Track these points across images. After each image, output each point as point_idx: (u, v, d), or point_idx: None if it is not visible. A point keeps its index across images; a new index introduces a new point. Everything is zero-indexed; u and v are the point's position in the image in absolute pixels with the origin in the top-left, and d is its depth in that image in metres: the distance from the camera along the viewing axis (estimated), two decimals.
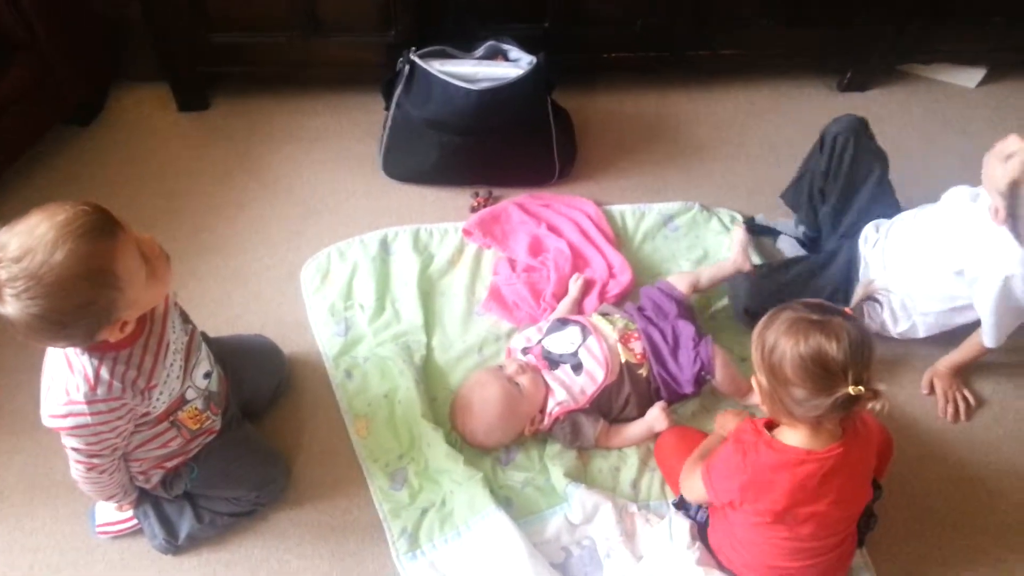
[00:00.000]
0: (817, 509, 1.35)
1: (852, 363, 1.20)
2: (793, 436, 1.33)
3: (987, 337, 1.72)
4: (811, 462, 1.31)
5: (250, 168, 2.24)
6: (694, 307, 1.88)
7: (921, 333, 1.86)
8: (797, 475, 1.33)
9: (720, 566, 1.53)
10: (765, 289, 1.83)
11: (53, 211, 1.13)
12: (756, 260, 1.99)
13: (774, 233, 2.10)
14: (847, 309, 1.28)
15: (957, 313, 1.79)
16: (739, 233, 1.94)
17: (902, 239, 1.82)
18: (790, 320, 1.26)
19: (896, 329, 1.87)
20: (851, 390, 1.20)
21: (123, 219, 1.20)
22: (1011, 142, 1.57)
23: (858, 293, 1.30)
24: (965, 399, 1.85)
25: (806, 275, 1.87)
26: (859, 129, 1.89)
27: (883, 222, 1.89)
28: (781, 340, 1.25)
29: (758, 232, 2.13)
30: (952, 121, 2.46)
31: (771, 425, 1.38)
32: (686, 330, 1.73)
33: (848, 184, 1.90)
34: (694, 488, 1.48)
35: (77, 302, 1.13)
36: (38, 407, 1.30)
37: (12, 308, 1.11)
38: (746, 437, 1.37)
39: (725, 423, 1.63)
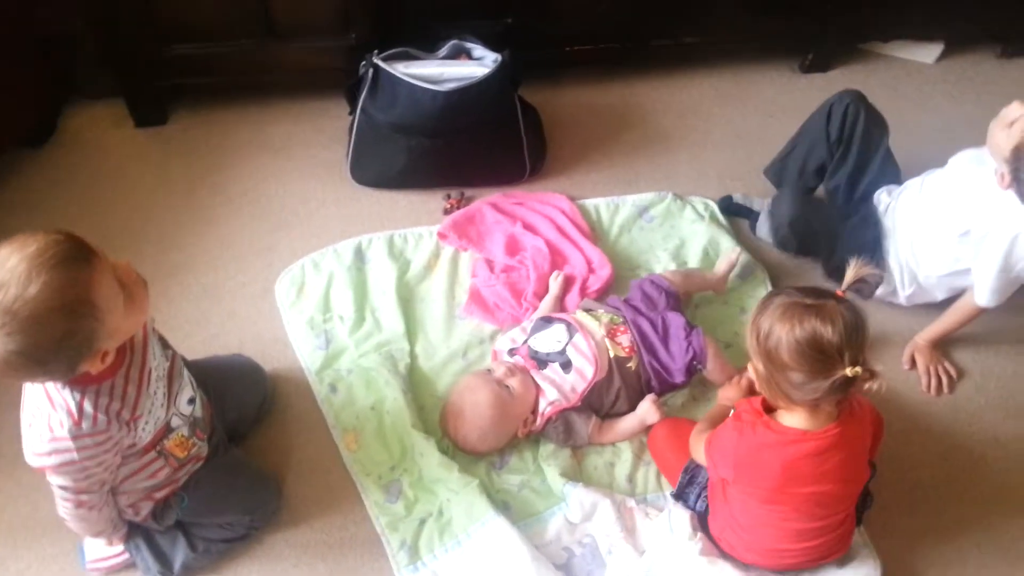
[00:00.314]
0: (818, 489, 1.37)
1: (848, 345, 1.22)
2: (791, 418, 1.34)
3: (984, 296, 1.75)
4: (808, 442, 1.33)
5: (215, 182, 2.19)
6: (681, 300, 1.87)
7: (927, 298, 1.93)
8: (792, 455, 1.34)
9: (723, 554, 1.54)
10: (808, 207, 1.94)
11: (23, 242, 1.09)
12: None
13: (752, 215, 2.11)
14: (839, 291, 1.29)
15: (961, 276, 1.83)
16: (732, 256, 1.94)
17: (910, 204, 1.88)
18: (784, 305, 1.27)
19: (904, 294, 1.93)
20: (848, 372, 1.22)
21: (94, 244, 1.16)
22: (1013, 108, 1.62)
23: (849, 275, 1.31)
24: (947, 372, 1.88)
25: (839, 218, 1.94)
26: (864, 98, 1.94)
27: (894, 187, 1.95)
28: (776, 326, 1.26)
29: (733, 212, 2.15)
30: (912, 96, 2.49)
31: (770, 407, 1.39)
32: (676, 320, 1.73)
33: (863, 149, 1.94)
34: (700, 454, 1.51)
35: (56, 335, 1.08)
36: (16, 445, 1.26)
37: None
38: (746, 416, 1.39)
39: (727, 393, 1.65)
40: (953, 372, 1.89)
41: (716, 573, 1.50)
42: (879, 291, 1.95)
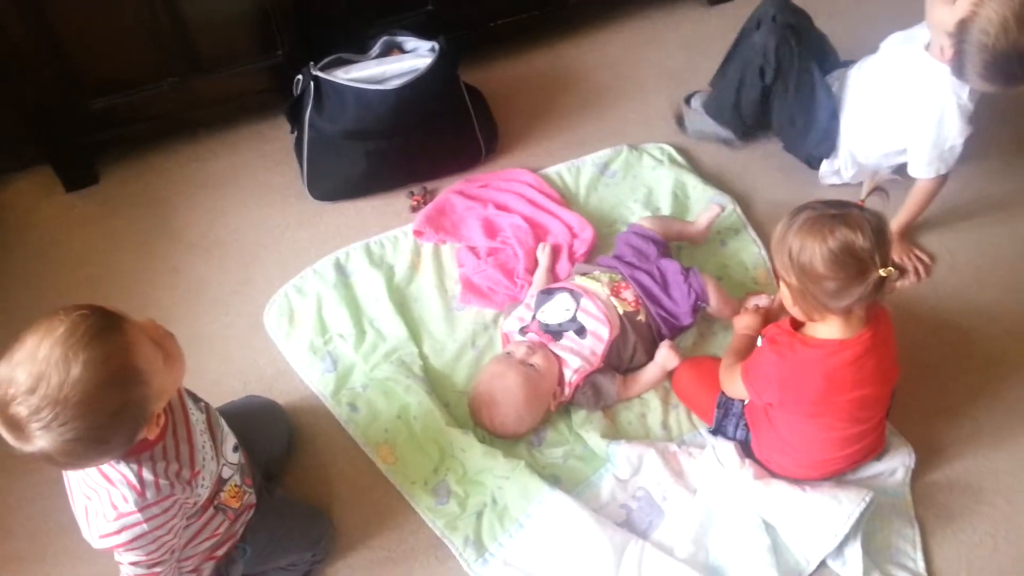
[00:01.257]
0: (859, 394, 1.43)
1: (878, 248, 1.28)
2: (825, 329, 1.40)
3: (919, 169, 1.86)
4: (847, 350, 1.39)
5: (169, 231, 2.10)
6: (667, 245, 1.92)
7: (864, 178, 2.01)
8: (834, 365, 1.40)
9: (773, 475, 1.60)
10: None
11: (48, 326, 1.04)
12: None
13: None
14: (860, 201, 1.35)
15: (900, 155, 1.94)
16: (713, 211, 1.98)
17: (849, 90, 1.98)
18: (812, 219, 1.32)
19: (847, 174, 2.05)
20: (882, 272, 1.29)
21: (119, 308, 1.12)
22: None
23: (867, 185, 1.38)
24: (920, 259, 1.99)
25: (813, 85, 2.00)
26: (779, 28, 1.98)
27: (843, 71, 2.05)
28: (808, 240, 1.31)
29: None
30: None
31: (797, 325, 1.45)
32: (671, 267, 1.78)
33: (800, 74, 2.00)
34: (735, 388, 1.55)
35: (111, 411, 1.05)
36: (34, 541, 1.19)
37: (45, 441, 1.01)
38: (780, 339, 1.44)
39: (743, 322, 1.70)
40: (925, 258, 2.00)
41: (772, 493, 1.56)
42: (823, 170, 2.08)
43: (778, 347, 1.43)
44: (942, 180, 1.90)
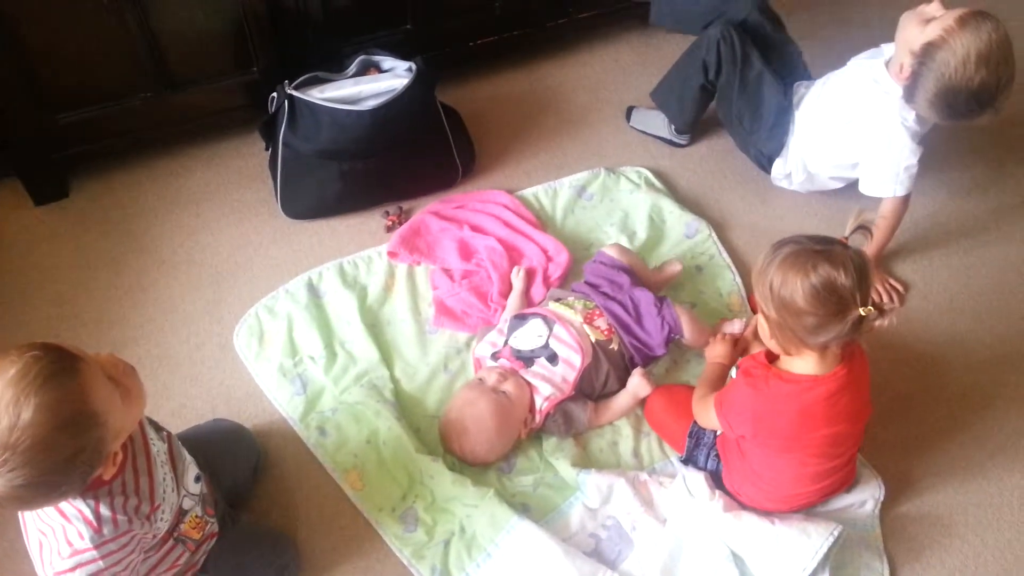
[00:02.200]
0: (831, 431, 1.43)
1: (859, 286, 1.27)
2: (800, 364, 1.39)
3: (876, 186, 1.90)
4: (821, 386, 1.38)
5: (140, 247, 2.07)
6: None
7: (816, 187, 2.11)
8: (807, 400, 1.40)
9: (743, 506, 1.59)
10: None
11: None
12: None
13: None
14: (843, 238, 1.35)
15: (849, 168, 2.00)
16: (674, 269, 1.97)
17: (812, 100, 2.02)
18: (795, 253, 1.31)
19: (796, 180, 2.10)
20: (862, 311, 1.28)
21: (75, 346, 1.09)
22: (934, 7, 1.73)
23: (851, 223, 1.37)
24: (894, 287, 2.00)
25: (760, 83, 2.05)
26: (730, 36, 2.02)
27: (811, 82, 2.07)
28: (789, 274, 1.30)
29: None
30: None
31: (772, 358, 1.44)
32: (645, 298, 1.76)
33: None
34: (708, 419, 1.54)
35: (64, 456, 1.02)
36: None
37: None
38: (756, 372, 1.43)
39: (715, 351, 1.69)
40: (900, 287, 2.01)
41: (742, 525, 1.55)
42: (775, 171, 2.12)
43: (753, 380, 1.42)
44: (906, 200, 1.91)
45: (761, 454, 1.49)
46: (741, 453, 1.53)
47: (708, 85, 2.11)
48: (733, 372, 1.51)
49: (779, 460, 1.48)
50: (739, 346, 1.69)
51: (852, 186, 2.03)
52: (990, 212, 2.18)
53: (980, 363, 1.89)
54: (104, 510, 1.14)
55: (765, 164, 2.15)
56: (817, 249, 1.30)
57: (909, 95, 1.76)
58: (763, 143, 2.11)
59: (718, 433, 1.61)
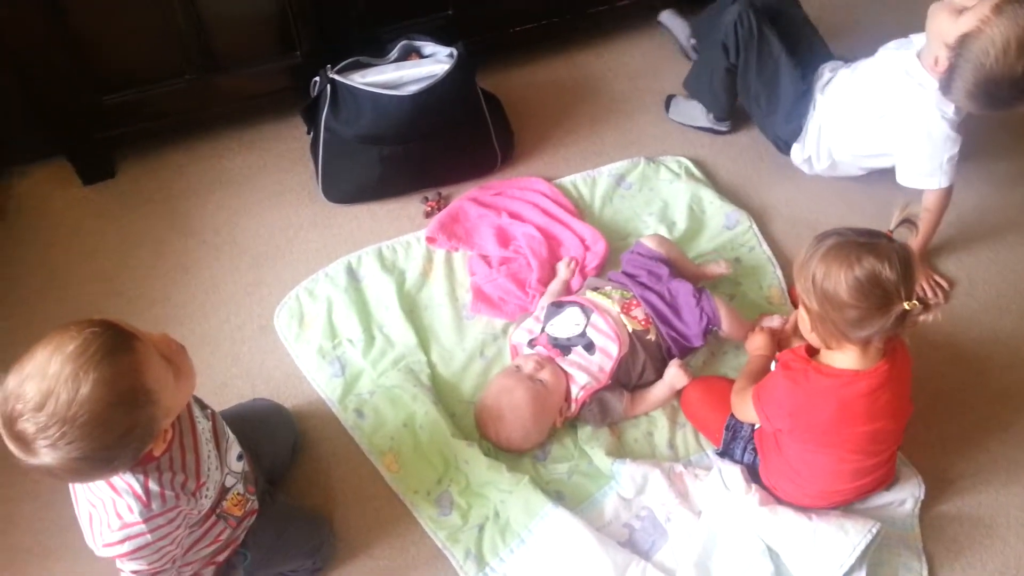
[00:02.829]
0: (872, 427, 1.41)
1: (904, 280, 1.25)
2: (841, 358, 1.38)
3: (918, 179, 1.86)
4: (861, 381, 1.37)
5: (183, 227, 2.10)
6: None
7: (839, 173, 2.08)
8: (847, 396, 1.38)
9: (779, 501, 1.58)
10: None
11: (59, 341, 1.03)
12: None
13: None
14: (888, 231, 1.33)
15: (876, 159, 1.98)
16: (721, 268, 1.94)
17: (840, 87, 1.98)
18: (839, 245, 1.29)
19: (819, 167, 2.07)
20: (906, 305, 1.26)
21: (133, 327, 1.12)
22: None
23: (896, 216, 1.35)
24: (939, 284, 1.96)
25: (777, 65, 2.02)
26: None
27: (839, 65, 2.03)
28: (833, 266, 1.28)
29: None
30: None
31: (813, 352, 1.42)
32: (683, 288, 1.75)
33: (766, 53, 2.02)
34: (747, 412, 1.52)
35: (119, 431, 1.04)
36: (38, 536, 1.19)
37: (50, 458, 1.01)
38: (795, 365, 1.41)
39: (755, 343, 1.67)
40: (944, 283, 1.97)
41: (778, 520, 1.54)
42: (794, 155, 2.09)
43: (792, 373, 1.41)
44: (949, 192, 1.88)
45: (799, 449, 1.48)
46: (778, 447, 1.52)
47: (732, 68, 2.09)
48: (773, 364, 1.50)
49: (817, 455, 1.47)
50: (780, 340, 1.67)
51: (895, 178, 2.00)
52: None
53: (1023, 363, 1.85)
54: (153, 485, 1.17)
55: (783, 147, 2.12)
56: (862, 242, 1.28)
57: (946, 87, 1.72)
58: (780, 126, 2.08)
59: (756, 427, 1.60)
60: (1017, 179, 2.18)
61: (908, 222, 1.34)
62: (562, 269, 1.92)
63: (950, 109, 1.79)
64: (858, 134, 1.97)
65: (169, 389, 1.10)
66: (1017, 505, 1.65)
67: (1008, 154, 2.21)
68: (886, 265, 1.25)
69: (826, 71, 2.03)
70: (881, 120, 1.89)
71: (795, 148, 2.08)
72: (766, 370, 1.58)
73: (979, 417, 1.77)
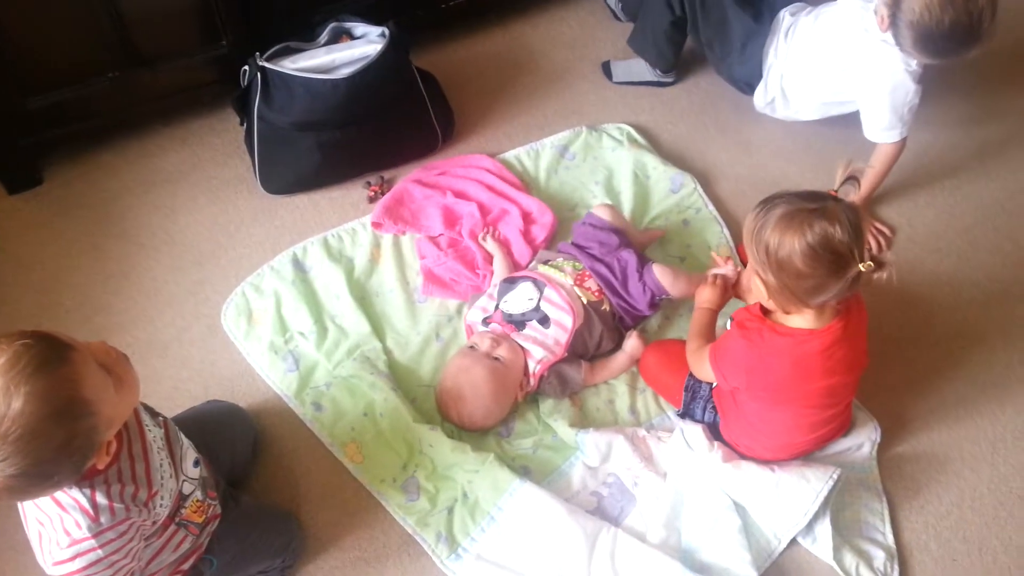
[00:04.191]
0: (827, 383, 1.43)
1: (856, 241, 1.25)
2: (796, 319, 1.38)
3: (881, 133, 1.89)
4: (816, 339, 1.37)
5: (119, 231, 2.03)
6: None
7: (801, 118, 2.10)
8: (803, 354, 1.39)
9: (742, 457, 1.60)
10: None
11: None
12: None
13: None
14: (832, 191, 1.32)
15: (836, 106, 2.01)
16: (655, 235, 1.95)
17: (803, 34, 1.98)
18: (788, 214, 1.27)
19: (781, 112, 2.09)
20: (862, 267, 1.25)
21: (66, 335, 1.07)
22: None
23: (840, 174, 1.35)
24: (881, 231, 2.00)
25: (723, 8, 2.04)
26: None
27: (800, 7, 2.04)
28: (785, 236, 1.27)
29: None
30: None
31: (765, 310, 1.43)
32: (630, 261, 1.75)
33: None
34: (704, 370, 1.52)
35: (56, 446, 1.00)
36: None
37: None
38: (750, 324, 1.41)
39: (703, 296, 1.64)
40: (887, 230, 2.01)
41: (742, 474, 1.56)
42: (757, 99, 2.10)
43: (747, 332, 1.41)
44: (902, 144, 1.91)
45: (756, 406, 1.50)
46: (737, 405, 1.54)
47: (678, 21, 2.11)
48: (728, 324, 1.50)
49: (774, 412, 1.49)
50: (728, 294, 1.66)
51: (837, 131, 2.03)
52: (973, 152, 2.17)
53: (968, 302, 1.90)
54: (101, 498, 1.13)
55: (745, 89, 2.13)
56: (811, 208, 1.26)
57: (897, 42, 1.76)
58: (735, 68, 2.10)
59: (714, 386, 1.61)
60: (953, 126, 2.22)
61: (852, 179, 1.34)
62: (489, 246, 1.90)
63: (913, 62, 1.80)
64: (822, 82, 1.98)
65: (109, 400, 1.06)
66: (969, 439, 1.70)
67: (943, 104, 2.24)
68: (837, 228, 1.23)
69: (787, 14, 2.03)
70: (844, 72, 1.91)
71: (758, 91, 2.09)
72: (713, 324, 1.59)
73: (929, 358, 1.82)
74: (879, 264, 1.27)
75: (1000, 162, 2.15)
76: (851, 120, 1.97)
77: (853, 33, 1.87)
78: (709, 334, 1.59)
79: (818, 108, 2.06)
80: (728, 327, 1.48)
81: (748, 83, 2.11)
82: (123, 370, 1.12)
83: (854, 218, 1.26)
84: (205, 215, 2.06)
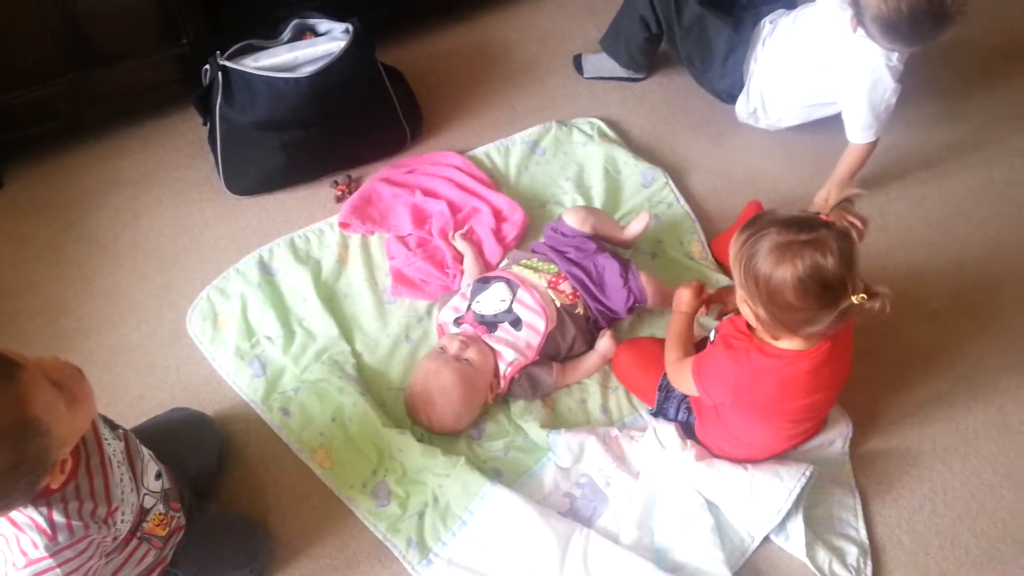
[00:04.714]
0: (812, 400, 1.41)
1: (848, 273, 1.21)
2: (785, 342, 1.33)
3: (858, 133, 1.87)
4: (804, 361, 1.33)
5: (80, 236, 1.99)
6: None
7: (784, 124, 2.08)
8: (788, 374, 1.35)
9: (715, 456, 1.59)
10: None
11: None
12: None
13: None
14: (824, 216, 1.27)
15: (819, 108, 1.99)
16: (643, 219, 1.87)
17: (782, 37, 1.97)
18: (779, 245, 1.22)
19: (763, 121, 2.07)
20: (855, 299, 1.21)
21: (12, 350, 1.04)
22: None
23: (833, 197, 1.32)
24: (853, 223, 1.97)
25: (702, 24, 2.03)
26: None
27: (777, 15, 2.02)
28: (776, 270, 1.22)
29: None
30: None
31: (751, 327, 1.38)
32: (610, 266, 1.72)
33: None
34: (686, 383, 1.48)
35: (5, 467, 0.97)
36: None
37: None
38: (737, 343, 1.37)
39: (682, 299, 1.59)
40: (858, 221, 1.99)
41: (715, 474, 1.55)
42: (739, 109, 2.09)
43: (734, 353, 1.36)
44: (874, 146, 1.90)
45: (740, 420, 1.48)
46: (718, 415, 1.51)
47: (652, 37, 2.11)
48: (712, 334, 1.47)
49: (756, 426, 1.47)
50: (707, 297, 1.63)
51: (809, 126, 2.02)
52: (945, 143, 2.17)
53: (939, 294, 1.89)
54: (58, 517, 1.10)
55: (727, 99, 2.12)
56: (803, 239, 1.21)
57: (870, 38, 1.75)
58: (718, 81, 2.08)
59: None
60: (925, 123, 2.20)
61: (847, 202, 1.30)
62: (459, 245, 1.87)
63: (894, 56, 1.79)
64: (803, 84, 1.96)
65: (61, 418, 1.03)
66: (941, 431, 1.70)
67: (915, 100, 2.23)
68: (829, 258, 1.19)
69: (767, 23, 2.01)
70: (826, 71, 1.89)
71: (740, 101, 2.07)
72: (691, 329, 1.57)
73: (900, 352, 1.81)
74: (872, 295, 1.22)
75: (973, 156, 2.14)
76: (824, 118, 1.96)
77: (834, 31, 1.85)
78: (688, 342, 1.56)
79: (800, 112, 2.04)
80: (712, 339, 1.45)
81: (730, 94, 2.09)
82: (76, 386, 1.09)
83: (847, 248, 1.22)
84: (169, 217, 2.02)
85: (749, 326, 1.37)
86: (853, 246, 1.24)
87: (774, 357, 1.34)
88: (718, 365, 1.40)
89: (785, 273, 1.22)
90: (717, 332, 1.45)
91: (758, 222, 1.28)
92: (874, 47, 1.78)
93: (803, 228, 1.23)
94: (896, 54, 1.79)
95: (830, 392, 1.44)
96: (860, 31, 1.77)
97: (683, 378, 1.48)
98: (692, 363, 1.45)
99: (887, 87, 1.81)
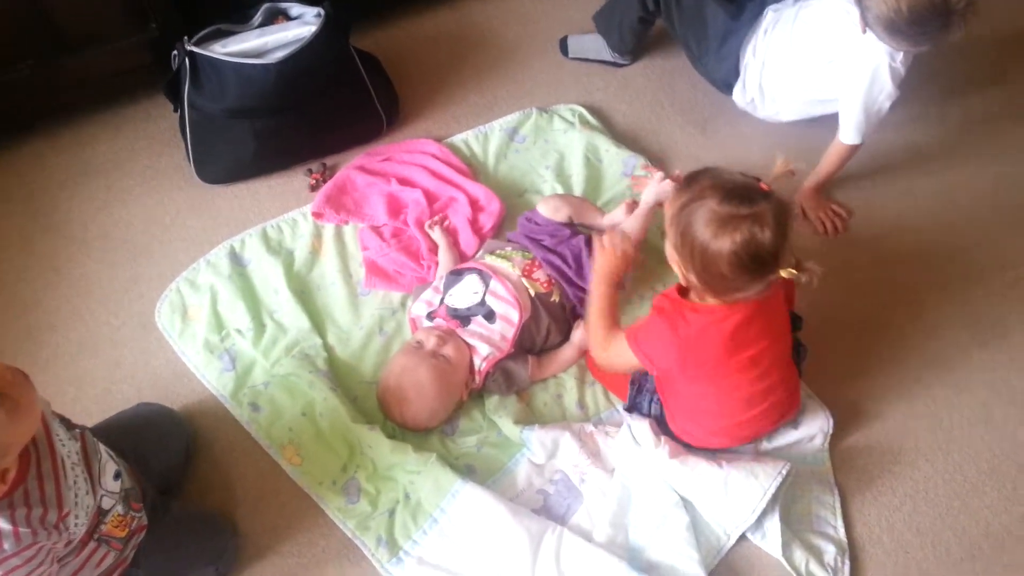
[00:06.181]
0: (753, 351, 1.40)
1: (781, 245, 1.23)
2: (713, 301, 1.36)
3: (849, 134, 1.82)
4: (733, 315, 1.35)
5: (48, 225, 1.95)
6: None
7: (783, 118, 2.02)
8: (725, 328, 1.37)
9: (690, 449, 1.56)
10: None
11: None
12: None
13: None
14: (763, 185, 1.27)
15: (819, 104, 1.93)
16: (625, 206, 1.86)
17: (785, 30, 1.91)
18: (718, 217, 1.23)
19: (762, 112, 2.02)
20: (783, 273, 1.24)
21: None
22: None
23: (776, 169, 1.30)
24: (837, 213, 1.95)
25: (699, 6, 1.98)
26: None
27: (781, 6, 1.95)
28: (713, 241, 1.24)
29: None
30: None
31: (682, 291, 1.41)
32: (582, 247, 1.69)
33: None
34: (620, 355, 1.46)
35: None
36: None
37: None
38: (668, 309, 1.39)
39: (604, 268, 1.52)
40: (843, 212, 1.96)
41: (690, 471, 1.52)
42: (736, 97, 2.03)
43: (668, 316, 1.38)
44: (857, 148, 1.86)
45: (692, 388, 1.47)
46: (675, 391, 1.50)
47: (647, 16, 2.06)
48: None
49: (709, 388, 1.46)
50: (629, 261, 1.55)
51: (801, 120, 1.97)
52: (935, 137, 2.12)
53: (924, 286, 1.86)
54: (3, 524, 1.07)
55: (724, 88, 2.06)
56: (743, 213, 1.22)
57: (879, 38, 1.70)
58: (712, 66, 2.03)
59: (655, 374, 1.55)
60: (915, 120, 2.14)
61: (789, 172, 1.30)
62: (434, 236, 1.84)
63: (899, 57, 1.74)
64: (805, 78, 1.91)
65: (1, 426, 0.99)
66: (924, 428, 1.67)
67: (904, 98, 2.17)
68: (766, 232, 1.21)
69: (770, 12, 1.96)
70: (830, 65, 1.84)
71: (736, 90, 2.02)
72: (616, 301, 1.54)
73: (883, 345, 1.78)
74: (800, 269, 1.26)
75: (961, 152, 2.09)
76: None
77: (840, 26, 1.80)
78: (615, 314, 1.53)
79: (799, 108, 1.99)
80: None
81: (726, 82, 2.03)
82: (19, 392, 1.04)
83: (783, 219, 1.23)
84: (140, 207, 1.98)
85: (679, 290, 1.40)
86: (790, 218, 1.25)
87: (706, 313, 1.36)
88: (658, 331, 1.40)
89: (722, 246, 1.23)
90: (652, 306, 1.44)
91: (698, 183, 1.28)
92: (879, 46, 1.72)
93: (744, 200, 1.23)
94: (900, 55, 1.74)
95: (771, 343, 1.43)
96: (869, 32, 1.71)
97: (618, 350, 1.46)
98: (627, 333, 1.44)
99: (884, 89, 1.76)
